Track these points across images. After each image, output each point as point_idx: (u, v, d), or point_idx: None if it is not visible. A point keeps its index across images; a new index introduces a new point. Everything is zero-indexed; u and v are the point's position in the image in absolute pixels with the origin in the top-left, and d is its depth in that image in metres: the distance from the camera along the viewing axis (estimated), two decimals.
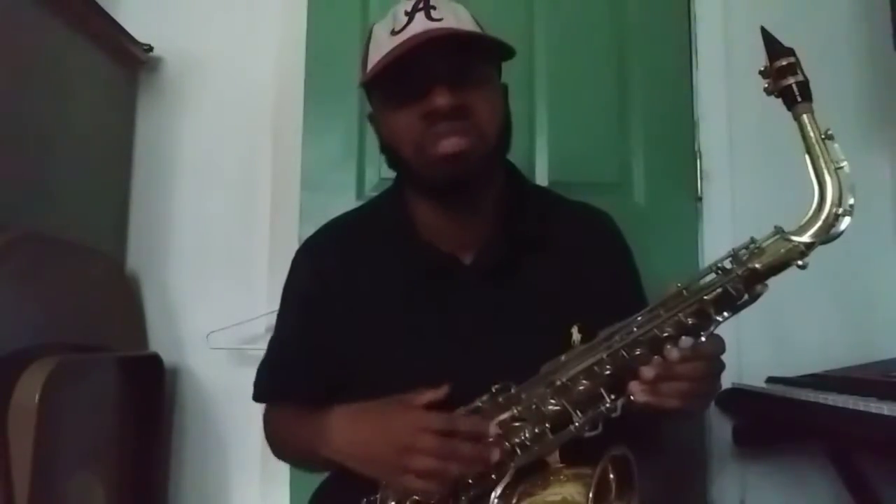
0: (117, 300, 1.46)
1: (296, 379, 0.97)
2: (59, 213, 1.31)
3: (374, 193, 1.58)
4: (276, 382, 1.00)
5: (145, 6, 1.60)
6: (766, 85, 0.79)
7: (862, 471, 1.35)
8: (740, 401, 1.44)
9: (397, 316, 0.91)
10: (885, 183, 1.60)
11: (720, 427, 1.52)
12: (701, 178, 1.60)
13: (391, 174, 1.57)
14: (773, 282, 1.65)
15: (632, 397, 0.74)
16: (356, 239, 0.98)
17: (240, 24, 1.64)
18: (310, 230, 1.57)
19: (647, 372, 0.73)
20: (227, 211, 1.59)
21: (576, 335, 0.85)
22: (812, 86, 1.75)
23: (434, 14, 0.84)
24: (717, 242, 1.57)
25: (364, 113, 1.60)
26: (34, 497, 0.98)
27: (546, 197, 1.03)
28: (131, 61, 1.56)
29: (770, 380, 1.43)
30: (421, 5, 0.85)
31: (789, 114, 1.68)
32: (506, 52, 0.88)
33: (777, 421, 1.37)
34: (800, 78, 0.80)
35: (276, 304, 1.55)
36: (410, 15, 0.85)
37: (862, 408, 0.98)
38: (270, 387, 1.00)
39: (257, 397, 1.02)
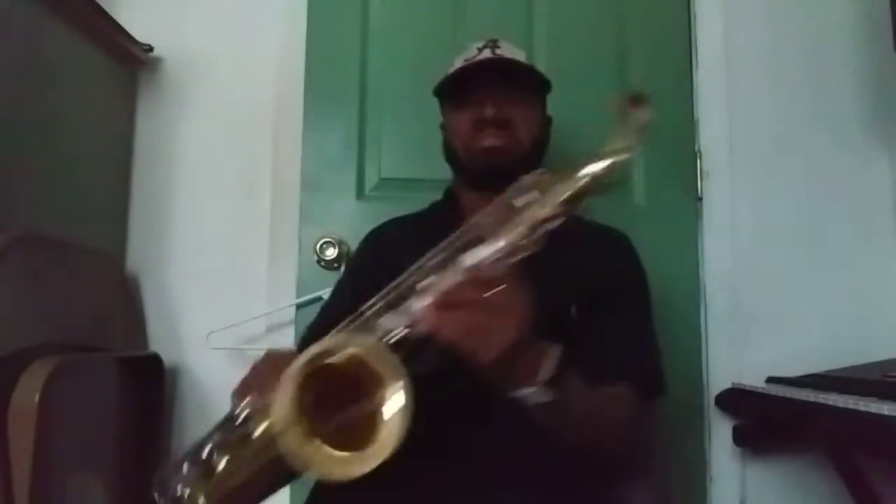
0: (117, 300, 1.46)
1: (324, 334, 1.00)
2: (59, 213, 1.31)
3: (374, 193, 1.60)
4: (310, 335, 1.08)
5: (145, 6, 1.60)
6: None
7: (862, 471, 1.35)
8: (740, 401, 1.44)
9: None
10: (885, 183, 1.60)
11: (720, 427, 1.52)
12: (701, 178, 1.60)
13: (391, 174, 1.60)
14: (773, 281, 1.66)
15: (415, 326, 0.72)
16: (412, 223, 1.20)
17: (240, 24, 1.64)
18: (310, 230, 1.59)
19: (425, 294, 0.72)
20: (227, 211, 1.60)
21: (573, 313, 0.99)
22: (812, 86, 1.76)
23: (497, 51, 1.10)
24: (717, 242, 1.57)
25: (364, 114, 1.62)
26: (34, 497, 0.99)
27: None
28: (131, 61, 1.56)
29: (770, 380, 1.43)
30: (489, 43, 1.12)
31: (789, 114, 1.68)
32: (547, 85, 1.15)
33: (777, 421, 1.37)
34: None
35: (276, 304, 1.57)
36: (481, 49, 1.11)
37: (862, 408, 0.98)
38: (304, 339, 1.10)
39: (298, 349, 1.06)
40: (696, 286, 1.56)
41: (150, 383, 1.41)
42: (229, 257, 1.58)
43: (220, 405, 1.63)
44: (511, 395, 0.76)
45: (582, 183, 0.77)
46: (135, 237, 1.58)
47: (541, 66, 1.62)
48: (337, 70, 1.61)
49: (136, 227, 1.58)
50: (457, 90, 1.11)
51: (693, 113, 1.62)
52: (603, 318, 1.00)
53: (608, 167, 0.77)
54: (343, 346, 0.67)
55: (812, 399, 1.14)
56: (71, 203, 1.35)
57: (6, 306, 1.07)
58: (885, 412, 0.92)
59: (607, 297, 1.02)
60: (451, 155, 1.15)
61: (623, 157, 0.77)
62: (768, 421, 1.42)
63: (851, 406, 1.00)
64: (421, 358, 0.71)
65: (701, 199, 1.59)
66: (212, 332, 1.50)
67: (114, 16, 1.46)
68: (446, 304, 0.71)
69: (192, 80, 1.62)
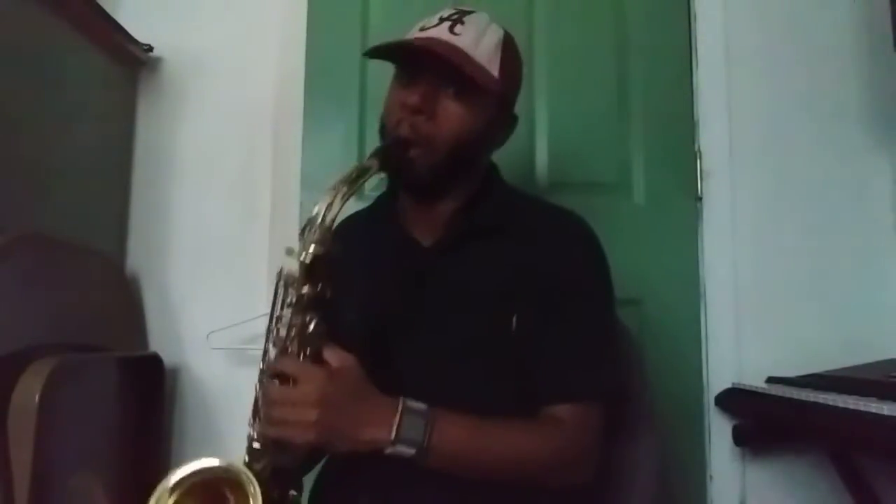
0: (117, 300, 1.46)
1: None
2: (59, 213, 1.31)
3: (374, 193, 1.59)
4: None
5: (145, 6, 1.60)
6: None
7: (862, 471, 1.35)
8: (740, 401, 1.44)
9: (363, 287, 0.96)
10: (886, 183, 1.60)
11: (720, 427, 1.52)
12: (701, 178, 1.59)
13: None
14: (773, 282, 1.66)
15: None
16: (357, 224, 1.09)
17: (240, 24, 1.64)
18: None
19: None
20: (227, 211, 1.60)
21: (514, 324, 0.90)
22: (812, 86, 1.76)
23: (456, 29, 0.93)
24: (717, 242, 1.57)
25: (364, 115, 1.62)
26: (34, 497, 0.98)
27: (518, 197, 1.05)
28: (131, 61, 1.56)
29: (770, 380, 1.43)
30: (454, 17, 0.95)
31: (789, 114, 1.68)
32: (491, 87, 0.94)
33: (777, 421, 1.37)
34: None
35: None
36: (441, 21, 0.95)
37: (862, 408, 0.98)
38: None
39: None
40: (696, 286, 1.56)
41: (150, 383, 1.41)
42: (229, 257, 1.58)
43: (220, 405, 1.64)
44: (386, 455, 0.79)
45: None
46: (135, 237, 1.58)
47: (541, 66, 1.65)
48: (337, 70, 1.61)
49: (136, 227, 1.58)
50: (400, 62, 0.99)
51: (693, 113, 1.62)
52: (544, 328, 0.90)
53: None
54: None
55: (812, 399, 1.14)
56: (71, 203, 1.35)
57: (6, 306, 1.07)
58: (885, 412, 0.93)
59: (552, 300, 0.91)
60: (381, 130, 1.00)
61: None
62: (768, 421, 1.42)
63: (851, 406, 1.00)
64: (285, 453, 0.81)
65: (701, 199, 1.59)
66: (212, 332, 1.50)
67: (114, 16, 1.46)
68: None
69: (192, 80, 1.62)
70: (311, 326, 0.80)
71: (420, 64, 0.93)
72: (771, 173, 1.60)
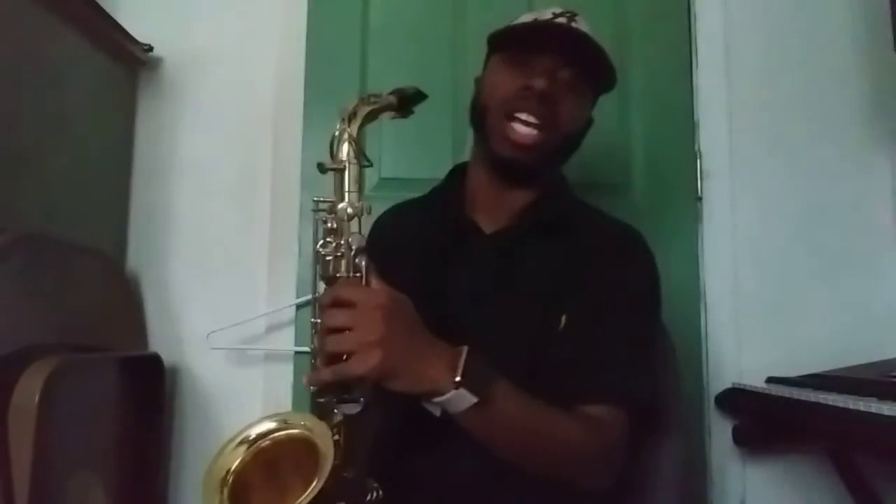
0: (117, 300, 1.46)
1: None
2: (59, 213, 1.31)
3: (374, 193, 1.59)
4: None
5: (145, 6, 1.60)
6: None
7: (862, 471, 1.35)
8: (740, 401, 1.44)
9: (417, 270, 0.95)
10: (885, 183, 1.60)
11: (720, 427, 1.52)
12: (701, 178, 1.60)
13: (391, 174, 1.60)
14: (773, 282, 1.66)
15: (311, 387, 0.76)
16: (411, 209, 1.11)
17: (240, 24, 1.64)
18: (310, 230, 1.58)
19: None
20: (227, 211, 1.59)
21: (563, 323, 0.90)
22: (812, 86, 1.76)
23: (574, 24, 0.96)
24: (717, 242, 1.57)
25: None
26: (34, 497, 0.98)
27: (581, 204, 1.06)
28: (131, 61, 1.56)
29: (770, 380, 1.43)
30: (568, 14, 0.97)
31: (789, 114, 1.68)
32: (610, 84, 1.01)
33: (777, 421, 1.37)
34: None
35: (276, 304, 1.57)
36: (556, 16, 0.97)
37: (862, 408, 0.98)
38: None
39: None
40: (696, 286, 1.56)
41: (150, 383, 1.41)
42: (229, 257, 1.58)
43: (220, 405, 1.64)
44: (434, 403, 0.74)
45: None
46: (135, 237, 1.57)
47: None
48: (337, 70, 1.61)
49: (136, 227, 1.58)
50: (515, 46, 0.97)
51: (693, 113, 1.62)
52: (591, 330, 0.89)
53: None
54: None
55: (812, 399, 1.14)
56: (71, 203, 1.35)
57: (6, 306, 1.07)
58: (885, 412, 0.93)
59: (603, 306, 0.91)
60: (478, 114, 0.99)
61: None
62: (768, 421, 1.42)
63: (851, 406, 1.00)
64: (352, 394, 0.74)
65: (701, 199, 1.59)
66: (212, 332, 1.50)
67: (114, 16, 1.46)
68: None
69: (192, 80, 1.62)
70: (355, 249, 0.75)
71: (542, 49, 0.93)
72: (771, 173, 1.60)
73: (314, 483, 0.66)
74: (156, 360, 1.43)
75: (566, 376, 0.87)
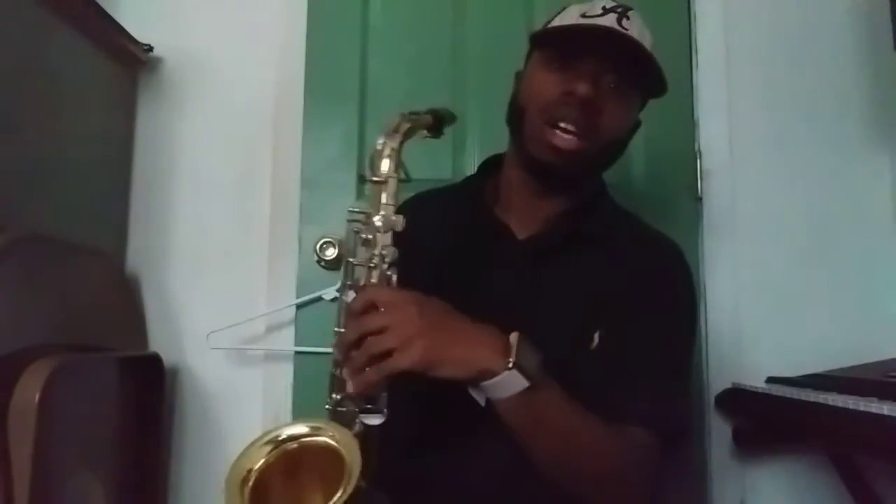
0: (117, 300, 1.46)
1: None
2: (59, 213, 1.31)
3: None
4: None
5: (145, 6, 1.60)
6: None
7: (862, 471, 1.35)
8: (740, 401, 1.44)
9: (440, 263, 0.93)
10: (885, 183, 1.60)
11: (720, 427, 1.52)
12: (701, 178, 1.60)
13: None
14: (773, 282, 1.66)
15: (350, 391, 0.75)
16: (435, 203, 1.05)
17: (240, 24, 1.64)
18: (310, 230, 1.59)
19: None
20: (227, 211, 1.59)
21: (596, 340, 0.87)
22: (812, 86, 1.76)
23: (625, 23, 0.90)
24: (717, 242, 1.57)
25: (364, 115, 1.61)
26: (34, 497, 0.98)
27: (622, 213, 1.03)
28: (131, 61, 1.56)
29: (770, 380, 1.43)
30: (619, 9, 0.91)
31: (789, 114, 1.68)
32: (660, 88, 0.94)
33: (777, 421, 1.37)
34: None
35: (276, 304, 1.57)
36: (606, 12, 0.90)
37: (862, 408, 0.97)
38: None
39: None
40: (696, 286, 1.56)
41: (150, 383, 1.41)
42: (229, 257, 1.58)
43: (220, 405, 1.64)
44: (480, 390, 0.73)
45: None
46: (135, 237, 1.57)
47: None
48: (337, 70, 1.61)
49: (136, 227, 1.58)
50: (559, 45, 0.91)
51: (693, 113, 1.62)
52: (627, 348, 0.86)
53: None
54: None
55: (812, 399, 1.14)
56: (71, 203, 1.35)
57: (6, 306, 1.07)
58: (885, 412, 0.92)
59: (638, 325, 0.88)
60: (516, 114, 0.94)
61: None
62: (768, 421, 1.42)
63: (851, 406, 1.00)
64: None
65: (701, 199, 1.59)
66: (212, 332, 1.50)
67: (114, 16, 1.46)
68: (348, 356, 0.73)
69: (192, 80, 1.62)
70: (389, 262, 0.76)
71: (586, 51, 0.88)
72: (771, 173, 1.60)
73: (338, 494, 0.66)
74: (156, 360, 1.43)
75: (598, 396, 0.82)
